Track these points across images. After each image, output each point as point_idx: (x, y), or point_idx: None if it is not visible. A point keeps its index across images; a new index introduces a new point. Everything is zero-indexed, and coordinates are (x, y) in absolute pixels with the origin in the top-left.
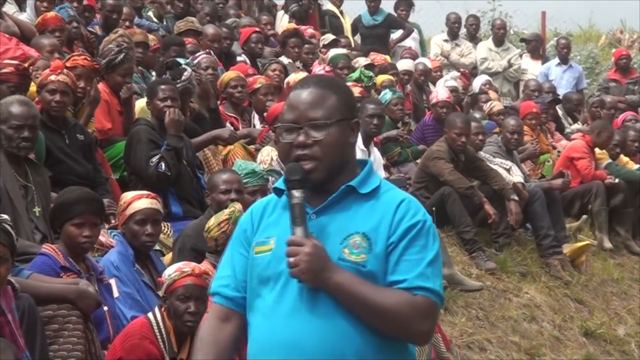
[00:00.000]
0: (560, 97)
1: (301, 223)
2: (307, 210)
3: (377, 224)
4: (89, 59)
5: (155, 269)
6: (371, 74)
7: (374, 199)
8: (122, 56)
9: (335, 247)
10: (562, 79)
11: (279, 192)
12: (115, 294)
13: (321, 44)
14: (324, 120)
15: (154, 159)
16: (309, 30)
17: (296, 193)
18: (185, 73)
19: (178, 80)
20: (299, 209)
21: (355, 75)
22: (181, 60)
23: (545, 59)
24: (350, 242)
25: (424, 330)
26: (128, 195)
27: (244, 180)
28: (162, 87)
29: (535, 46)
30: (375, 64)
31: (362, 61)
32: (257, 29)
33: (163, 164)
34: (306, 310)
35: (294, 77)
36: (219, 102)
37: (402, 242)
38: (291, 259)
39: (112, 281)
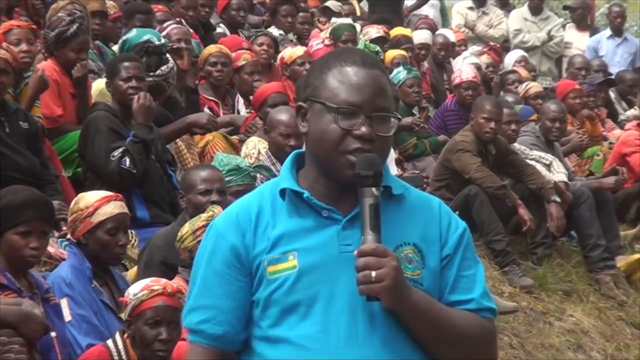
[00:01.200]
0: (613, 77)
1: (377, 229)
2: (338, 219)
3: (424, 232)
4: (22, 19)
5: (116, 287)
6: (378, 48)
7: (404, 202)
8: (75, 27)
9: None
10: (614, 55)
11: (284, 193)
12: (67, 317)
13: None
14: (395, 114)
15: (116, 153)
16: None
17: (375, 191)
18: (164, 67)
19: (151, 73)
20: (376, 210)
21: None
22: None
23: (594, 31)
24: (402, 255)
25: (494, 357)
26: (91, 197)
27: (227, 179)
28: (125, 64)
29: (581, 15)
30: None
31: (373, 33)
32: None
33: (127, 159)
34: (364, 339)
35: (291, 52)
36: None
37: (457, 256)
38: (374, 273)
39: (64, 301)
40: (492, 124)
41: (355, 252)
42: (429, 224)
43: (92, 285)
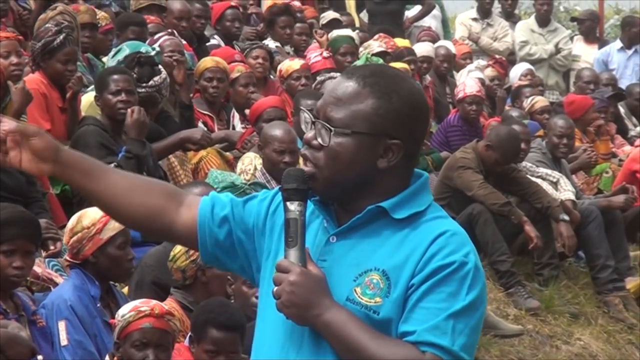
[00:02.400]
0: (623, 91)
1: (294, 244)
2: (329, 230)
3: (404, 260)
4: (8, 31)
5: (118, 307)
6: (381, 60)
7: (410, 228)
8: (61, 37)
9: (347, 283)
10: (626, 68)
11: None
12: (64, 341)
13: (320, 23)
14: (337, 126)
15: None
16: (295, 3)
17: (291, 206)
18: (156, 78)
19: (143, 84)
20: (293, 226)
21: (359, 63)
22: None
23: (602, 43)
24: (366, 279)
25: None
26: (94, 214)
27: None
28: (114, 77)
29: (590, 27)
30: (390, 50)
31: (375, 46)
32: (233, 3)
33: None
34: (293, 353)
35: (288, 65)
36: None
37: (424, 285)
38: (275, 289)
39: (62, 324)
40: (501, 167)
41: None
42: (414, 252)
43: (98, 305)
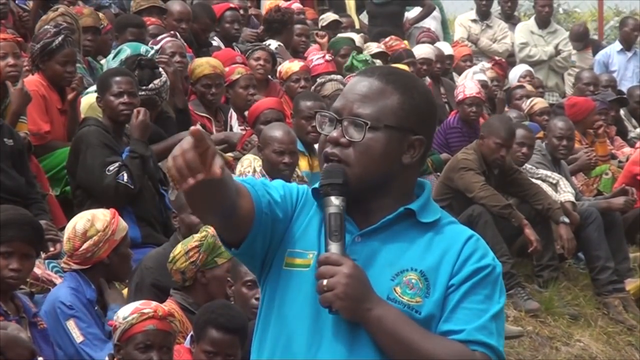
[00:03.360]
0: (625, 96)
1: (339, 238)
2: (351, 230)
3: (438, 262)
4: (8, 32)
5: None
6: (367, 57)
7: (434, 231)
8: (60, 39)
9: (384, 282)
10: (626, 70)
11: (316, 194)
12: (79, 337)
13: (320, 25)
14: (368, 120)
15: (112, 167)
16: (295, 5)
17: (335, 200)
18: (157, 81)
19: (144, 87)
20: (337, 220)
21: (348, 63)
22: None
23: (596, 46)
24: (404, 279)
25: None
26: (104, 216)
27: None
28: (117, 79)
29: (585, 42)
30: (390, 52)
31: (373, 47)
32: (233, 5)
33: (125, 174)
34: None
35: (287, 67)
36: (187, 98)
37: (463, 286)
38: (325, 281)
39: (71, 323)
40: (504, 151)
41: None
42: (447, 254)
43: (96, 309)
